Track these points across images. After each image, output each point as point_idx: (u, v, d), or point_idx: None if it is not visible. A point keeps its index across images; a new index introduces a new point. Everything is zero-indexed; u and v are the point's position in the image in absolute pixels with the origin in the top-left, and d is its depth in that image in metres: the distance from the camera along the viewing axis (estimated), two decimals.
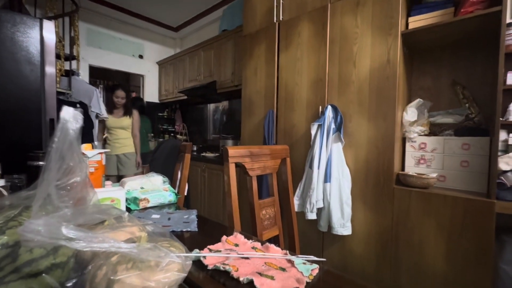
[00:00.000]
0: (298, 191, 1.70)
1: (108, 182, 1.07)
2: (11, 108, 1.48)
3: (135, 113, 2.63)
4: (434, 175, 1.37)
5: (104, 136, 2.64)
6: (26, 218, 0.39)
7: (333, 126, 1.59)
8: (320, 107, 1.72)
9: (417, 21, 1.41)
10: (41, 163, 0.88)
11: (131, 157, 2.55)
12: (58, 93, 2.42)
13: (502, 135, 1.36)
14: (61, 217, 0.36)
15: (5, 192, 0.66)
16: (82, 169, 0.42)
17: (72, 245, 0.30)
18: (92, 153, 0.93)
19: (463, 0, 1.28)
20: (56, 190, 0.37)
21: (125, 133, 2.54)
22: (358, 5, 1.55)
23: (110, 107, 2.53)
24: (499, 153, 1.25)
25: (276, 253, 0.61)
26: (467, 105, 1.49)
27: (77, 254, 0.41)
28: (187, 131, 3.87)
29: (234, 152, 0.84)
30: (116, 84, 2.60)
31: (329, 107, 1.62)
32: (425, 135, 1.51)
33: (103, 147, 2.56)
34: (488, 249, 1.16)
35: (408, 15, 1.48)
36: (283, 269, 0.54)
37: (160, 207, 1.00)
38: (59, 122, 0.35)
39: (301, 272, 0.53)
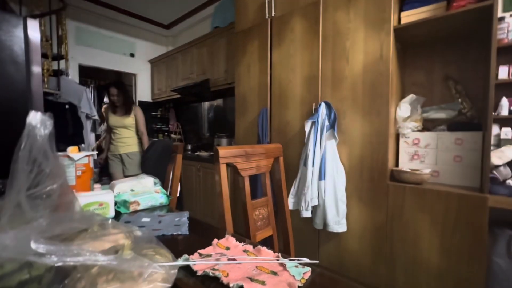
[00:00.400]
0: (293, 189, 1.69)
1: (97, 185, 1.04)
2: None
3: (138, 109, 2.50)
4: (428, 170, 1.38)
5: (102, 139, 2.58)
6: None
7: (327, 123, 1.58)
8: (314, 104, 1.70)
9: (409, 16, 1.40)
10: None
11: (134, 156, 2.45)
12: (46, 93, 2.37)
13: (495, 129, 1.37)
14: (35, 228, 0.33)
15: None
16: (59, 175, 0.39)
17: (43, 260, 0.28)
18: (79, 156, 0.90)
19: None
20: (28, 199, 0.34)
21: (127, 132, 2.44)
22: (351, 0, 1.53)
23: (112, 107, 2.45)
24: (492, 148, 1.25)
25: (268, 256, 0.59)
26: (459, 100, 1.49)
27: (57, 266, 0.38)
28: (181, 130, 3.83)
29: (225, 153, 0.82)
30: (108, 83, 2.51)
31: (323, 104, 1.61)
32: (419, 130, 1.51)
33: (109, 148, 2.48)
34: (481, 243, 1.17)
35: (401, 9, 1.47)
36: (275, 273, 0.53)
37: (151, 209, 0.98)
38: (25, 128, 0.33)
39: (293, 276, 0.51)
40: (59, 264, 0.28)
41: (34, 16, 2.26)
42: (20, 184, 0.33)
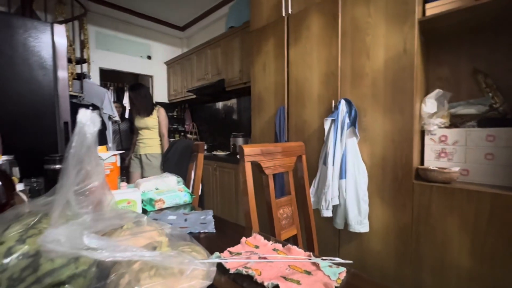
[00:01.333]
0: (312, 188, 1.67)
1: (124, 184, 1.07)
2: (25, 112, 1.51)
3: (161, 111, 2.50)
4: (457, 169, 1.31)
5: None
6: (46, 225, 0.37)
7: (347, 120, 1.54)
8: (333, 101, 1.67)
9: (435, 8, 1.34)
10: (57, 166, 0.88)
11: (153, 158, 2.44)
12: (71, 96, 2.46)
13: None
14: (81, 224, 0.34)
15: (24, 197, 0.66)
16: (99, 173, 0.40)
17: (94, 255, 0.28)
18: (107, 155, 0.93)
19: None
20: (75, 195, 0.35)
21: (149, 133, 2.46)
22: None
23: (137, 108, 2.48)
24: None
25: (299, 255, 0.58)
26: (490, 94, 1.41)
27: (99, 261, 0.39)
28: (197, 130, 3.88)
29: (250, 151, 0.82)
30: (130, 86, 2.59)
31: (343, 101, 1.57)
32: (446, 127, 1.44)
33: (134, 149, 2.55)
34: None
35: (425, 1, 1.40)
36: (309, 273, 0.51)
37: (175, 207, 0.99)
38: (76, 126, 0.33)
39: (328, 276, 0.50)
40: (110, 259, 0.29)
41: (59, 23, 2.36)
42: (70, 181, 0.34)
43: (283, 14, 1.94)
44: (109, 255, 0.28)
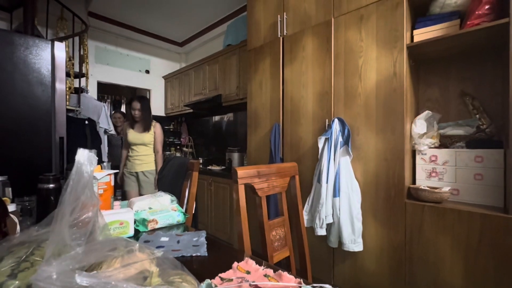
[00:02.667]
0: (307, 206, 1.67)
1: (117, 203, 1.07)
2: (23, 128, 1.52)
3: (158, 127, 2.40)
4: (447, 188, 1.34)
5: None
6: (38, 258, 0.38)
7: (340, 139, 1.58)
8: (327, 120, 1.71)
9: (422, 34, 1.41)
10: (51, 185, 0.89)
11: (150, 175, 2.36)
12: (68, 110, 2.48)
13: None
14: (73, 258, 0.35)
15: (16, 219, 0.66)
16: (94, 204, 0.41)
17: None
18: (101, 175, 0.93)
19: (469, 13, 1.28)
20: (69, 229, 0.36)
21: (145, 149, 2.35)
22: (362, 19, 1.56)
23: (131, 122, 2.36)
24: None
25: (290, 282, 0.59)
26: (477, 116, 1.47)
27: None
28: (193, 143, 3.89)
29: (243, 173, 0.83)
30: (132, 97, 2.45)
31: (336, 120, 1.61)
32: (436, 147, 1.48)
33: (125, 164, 2.42)
34: (509, 267, 1.11)
35: (413, 27, 1.48)
36: None
37: (168, 227, 0.99)
38: (74, 165, 0.35)
39: None
40: None
41: (60, 39, 2.41)
42: (65, 216, 0.35)
43: (279, 35, 2.02)
44: None
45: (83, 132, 2.44)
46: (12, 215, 0.70)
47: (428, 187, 1.39)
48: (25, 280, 0.34)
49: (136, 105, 2.31)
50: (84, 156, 0.35)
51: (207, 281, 0.56)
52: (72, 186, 0.34)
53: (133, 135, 2.34)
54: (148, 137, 2.35)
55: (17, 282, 0.33)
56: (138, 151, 2.35)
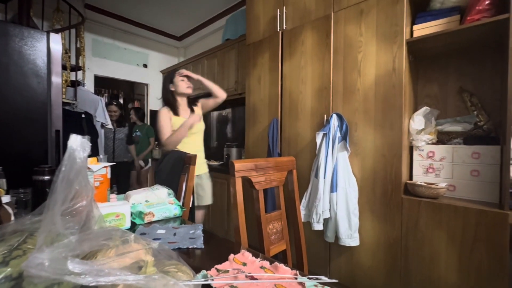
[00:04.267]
0: (304, 201, 1.67)
1: (113, 196, 1.06)
2: (18, 120, 1.50)
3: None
4: (444, 184, 1.34)
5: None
6: (30, 246, 0.38)
7: (338, 134, 1.57)
8: (325, 115, 1.71)
9: (422, 29, 1.40)
10: (46, 177, 0.88)
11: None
12: (64, 103, 2.45)
13: None
14: (66, 246, 0.34)
15: (10, 210, 0.66)
16: (88, 192, 0.40)
17: (78, 280, 0.29)
18: (97, 167, 0.93)
19: (469, 8, 1.27)
20: (62, 216, 0.36)
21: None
22: (362, 14, 1.55)
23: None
24: (511, 162, 1.21)
25: (286, 274, 0.59)
26: (475, 112, 1.47)
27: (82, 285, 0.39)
28: None
29: (241, 166, 0.83)
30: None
31: (334, 116, 1.60)
32: (433, 143, 1.48)
33: None
34: (503, 262, 1.12)
35: (413, 23, 1.47)
36: None
37: (165, 221, 0.99)
38: (66, 151, 0.34)
39: None
40: (93, 283, 0.29)
41: (56, 31, 2.37)
42: (58, 204, 0.34)
43: (278, 30, 2.00)
44: (92, 280, 0.29)
45: (79, 126, 2.43)
46: (6, 206, 0.69)
47: (425, 183, 1.40)
48: (16, 267, 0.34)
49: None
50: (77, 142, 0.34)
51: (203, 272, 0.56)
52: (64, 172, 0.33)
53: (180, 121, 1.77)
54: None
55: (9, 269, 0.33)
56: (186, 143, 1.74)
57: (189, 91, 1.84)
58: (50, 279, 0.28)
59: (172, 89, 1.86)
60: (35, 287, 0.34)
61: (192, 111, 1.83)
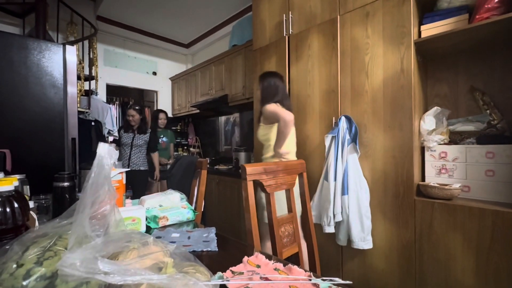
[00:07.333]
0: (312, 203, 1.67)
1: (128, 201, 1.09)
2: (37, 129, 1.57)
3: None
4: (458, 185, 1.32)
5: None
6: (60, 247, 0.40)
7: (347, 137, 1.57)
8: (334, 118, 1.71)
9: (430, 29, 1.39)
10: (66, 184, 0.91)
11: None
12: (78, 112, 2.54)
13: None
14: (94, 247, 0.37)
15: (34, 215, 0.69)
16: (111, 197, 0.43)
17: (107, 279, 0.31)
18: (113, 173, 0.96)
19: (478, 6, 1.26)
20: (89, 220, 0.38)
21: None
22: (368, 16, 1.56)
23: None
24: None
25: (300, 275, 0.60)
26: (488, 111, 1.44)
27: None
28: (200, 143, 3.93)
29: (252, 170, 0.85)
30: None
31: (343, 118, 1.60)
32: (445, 143, 1.46)
33: None
34: None
35: (420, 23, 1.46)
36: None
37: (178, 225, 1.01)
38: (96, 158, 0.37)
39: None
40: (121, 282, 0.31)
41: (71, 43, 2.47)
42: (87, 207, 0.36)
43: (284, 34, 2.02)
44: (120, 279, 0.31)
45: (88, 133, 2.50)
46: (31, 212, 0.73)
47: (438, 184, 1.37)
48: (50, 267, 0.36)
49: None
50: (105, 150, 0.37)
51: (219, 273, 0.57)
52: (94, 178, 0.36)
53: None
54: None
55: (43, 269, 0.35)
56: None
57: None
58: (82, 277, 0.30)
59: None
60: (67, 286, 0.36)
61: None
